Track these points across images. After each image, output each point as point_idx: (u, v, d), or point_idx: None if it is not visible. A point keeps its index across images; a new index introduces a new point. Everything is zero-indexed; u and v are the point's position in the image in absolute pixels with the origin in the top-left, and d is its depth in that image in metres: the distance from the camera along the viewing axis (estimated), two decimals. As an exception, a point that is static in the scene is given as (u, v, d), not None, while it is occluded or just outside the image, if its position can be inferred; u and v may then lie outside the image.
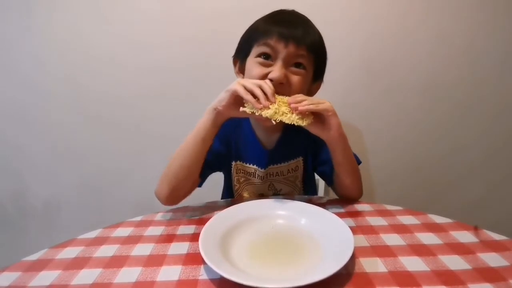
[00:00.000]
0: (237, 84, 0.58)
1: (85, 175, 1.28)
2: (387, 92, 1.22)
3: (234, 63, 0.72)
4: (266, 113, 0.57)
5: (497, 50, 1.18)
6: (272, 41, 0.62)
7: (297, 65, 0.64)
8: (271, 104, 0.57)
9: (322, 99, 0.59)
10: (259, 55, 0.64)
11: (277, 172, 0.75)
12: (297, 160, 0.76)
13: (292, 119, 0.58)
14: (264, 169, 0.74)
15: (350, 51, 1.16)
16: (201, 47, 1.14)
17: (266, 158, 0.74)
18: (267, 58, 0.63)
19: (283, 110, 0.58)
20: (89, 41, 1.14)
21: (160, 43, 1.14)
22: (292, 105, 0.57)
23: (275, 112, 0.57)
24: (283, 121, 0.58)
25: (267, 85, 0.58)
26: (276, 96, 0.60)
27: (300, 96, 0.59)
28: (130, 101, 1.20)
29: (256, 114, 0.58)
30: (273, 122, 0.58)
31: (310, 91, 0.71)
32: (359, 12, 1.13)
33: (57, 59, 1.16)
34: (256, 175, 0.75)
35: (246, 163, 0.76)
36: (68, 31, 1.13)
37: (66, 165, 1.27)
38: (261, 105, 0.57)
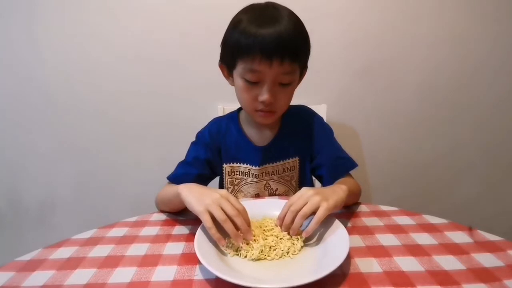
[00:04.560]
0: (205, 213, 0.49)
1: (80, 175, 1.27)
2: (384, 92, 1.22)
3: (221, 68, 0.70)
4: (251, 255, 0.47)
5: (496, 50, 1.18)
6: (255, 65, 0.58)
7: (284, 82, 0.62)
8: (249, 244, 0.48)
9: (302, 196, 0.52)
10: (245, 78, 0.61)
11: (272, 171, 0.75)
12: (293, 160, 0.76)
13: (286, 251, 0.48)
14: (259, 166, 0.74)
15: (349, 51, 1.17)
16: (202, 47, 1.13)
17: (259, 154, 0.74)
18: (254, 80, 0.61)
19: (270, 244, 0.48)
20: (89, 41, 1.13)
21: (160, 43, 1.14)
22: (291, 232, 0.51)
23: (261, 251, 0.47)
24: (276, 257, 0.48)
25: (241, 220, 0.49)
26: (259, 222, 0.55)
27: (288, 215, 0.51)
28: (126, 101, 1.20)
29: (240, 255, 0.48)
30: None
31: (298, 83, 0.69)
32: (358, 12, 1.13)
33: (57, 59, 1.15)
34: (251, 174, 0.75)
35: (239, 163, 0.76)
36: (68, 31, 1.12)
37: (61, 164, 1.26)
38: (239, 241, 0.48)
